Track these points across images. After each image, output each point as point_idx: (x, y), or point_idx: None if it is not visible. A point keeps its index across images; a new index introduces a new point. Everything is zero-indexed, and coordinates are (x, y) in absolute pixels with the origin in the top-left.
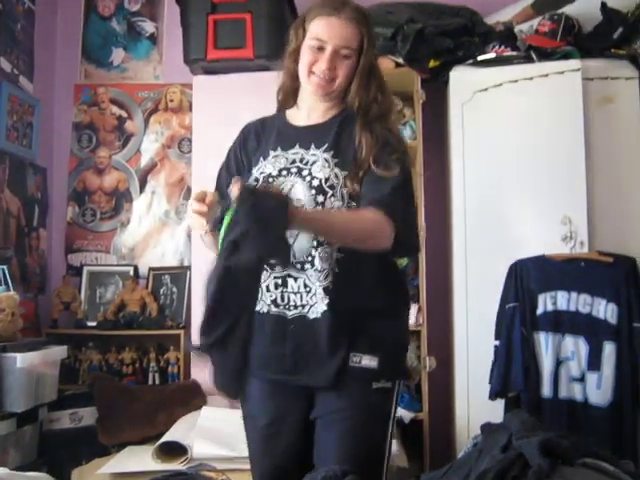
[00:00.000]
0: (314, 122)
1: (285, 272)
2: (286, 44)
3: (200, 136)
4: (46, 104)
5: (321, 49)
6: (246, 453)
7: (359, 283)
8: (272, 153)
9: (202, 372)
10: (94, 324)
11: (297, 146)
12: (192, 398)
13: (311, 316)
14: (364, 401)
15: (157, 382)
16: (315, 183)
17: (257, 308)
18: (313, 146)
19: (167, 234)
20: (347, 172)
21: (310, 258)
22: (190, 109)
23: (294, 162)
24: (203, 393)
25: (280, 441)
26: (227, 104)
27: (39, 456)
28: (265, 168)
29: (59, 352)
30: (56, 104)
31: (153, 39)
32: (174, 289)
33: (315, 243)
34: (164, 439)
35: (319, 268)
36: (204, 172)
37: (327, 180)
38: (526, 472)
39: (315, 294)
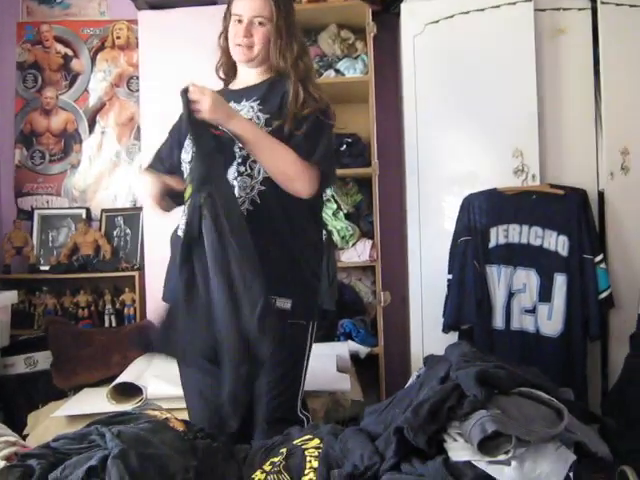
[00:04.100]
0: (250, 84)
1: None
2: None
3: (148, 73)
4: None
5: (240, 22)
6: None
7: (274, 219)
8: None
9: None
10: (47, 268)
11: (231, 102)
12: None
13: None
14: (280, 334)
15: (113, 324)
16: None
17: None
18: (244, 100)
19: (119, 175)
20: (269, 115)
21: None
22: (138, 46)
23: None
24: None
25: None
26: (174, 40)
27: None
28: None
29: (9, 297)
30: None
31: None
32: (128, 230)
33: (235, 174)
34: (118, 380)
35: (237, 195)
36: (153, 110)
37: (249, 120)
38: (462, 402)
39: None
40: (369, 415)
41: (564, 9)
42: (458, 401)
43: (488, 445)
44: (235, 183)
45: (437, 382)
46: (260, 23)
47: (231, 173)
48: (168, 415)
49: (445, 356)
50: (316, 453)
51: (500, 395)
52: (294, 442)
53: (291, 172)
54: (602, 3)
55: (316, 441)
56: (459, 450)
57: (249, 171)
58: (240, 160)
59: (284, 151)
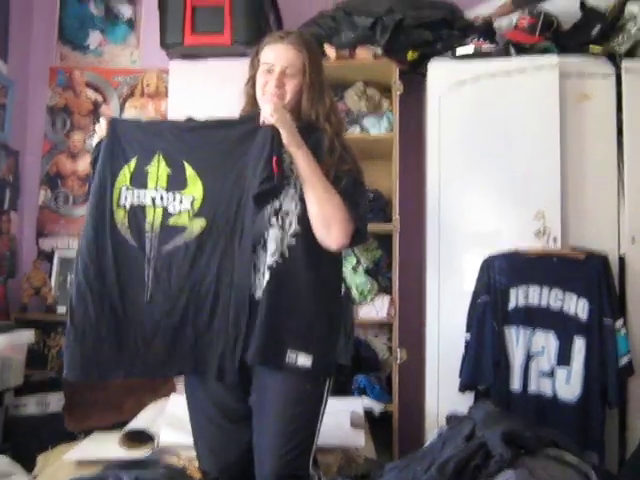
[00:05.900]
0: None
1: None
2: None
3: None
4: (20, 86)
5: (270, 71)
6: None
7: (301, 273)
8: None
9: None
10: (64, 310)
11: None
12: (161, 385)
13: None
14: (297, 388)
15: None
16: None
17: None
18: None
19: None
20: None
21: (262, 240)
22: (167, 95)
23: None
24: (172, 380)
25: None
26: (203, 90)
27: (4, 441)
28: None
29: (26, 337)
30: (31, 86)
31: (131, 23)
32: None
33: (268, 224)
34: (130, 426)
35: (267, 247)
36: None
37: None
38: (488, 462)
39: (263, 274)
40: (389, 472)
41: (589, 75)
42: (484, 460)
43: None
44: (266, 234)
45: (462, 440)
46: (291, 74)
47: (264, 224)
48: (185, 463)
49: (469, 415)
50: None
51: (527, 456)
52: None
53: (334, 217)
54: (626, 71)
55: None
56: None
57: (280, 223)
58: (272, 211)
59: (334, 193)
